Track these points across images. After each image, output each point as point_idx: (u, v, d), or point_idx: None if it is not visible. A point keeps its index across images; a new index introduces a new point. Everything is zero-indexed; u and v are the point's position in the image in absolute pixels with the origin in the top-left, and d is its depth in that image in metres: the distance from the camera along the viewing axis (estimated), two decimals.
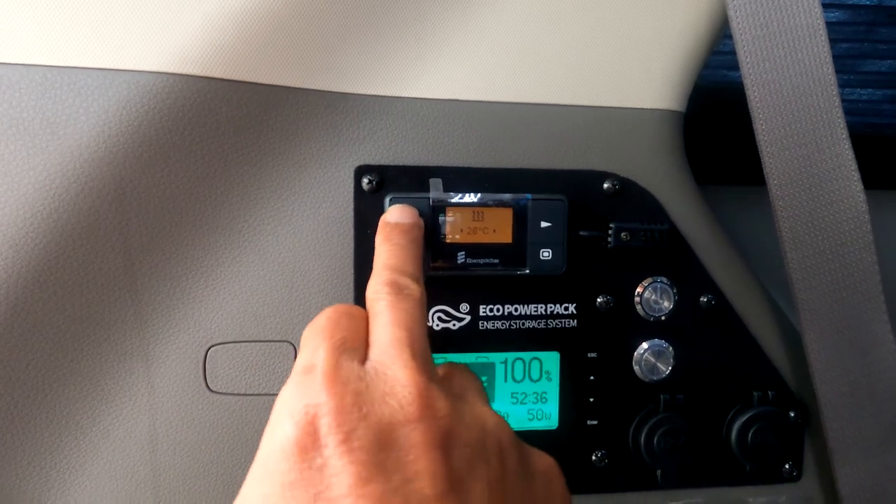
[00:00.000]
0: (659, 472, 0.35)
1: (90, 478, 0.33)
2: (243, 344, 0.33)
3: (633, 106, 0.34)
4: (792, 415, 0.36)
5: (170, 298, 0.32)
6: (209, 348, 0.32)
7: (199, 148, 0.30)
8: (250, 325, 0.33)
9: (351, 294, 0.33)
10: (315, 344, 0.23)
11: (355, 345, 0.23)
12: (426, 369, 0.23)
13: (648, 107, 0.34)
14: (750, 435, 0.35)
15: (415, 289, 0.25)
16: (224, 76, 0.30)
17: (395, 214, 0.30)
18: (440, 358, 0.34)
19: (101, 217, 0.30)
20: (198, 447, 0.33)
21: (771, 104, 0.32)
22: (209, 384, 0.33)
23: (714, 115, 0.50)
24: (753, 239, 0.41)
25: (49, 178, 0.29)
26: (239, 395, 0.33)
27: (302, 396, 0.21)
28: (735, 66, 0.56)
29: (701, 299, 0.35)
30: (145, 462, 0.33)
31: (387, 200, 0.32)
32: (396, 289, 0.25)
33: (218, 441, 0.33)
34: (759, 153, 0.32)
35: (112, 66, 0.29)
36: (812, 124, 0.32)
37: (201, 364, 0.32)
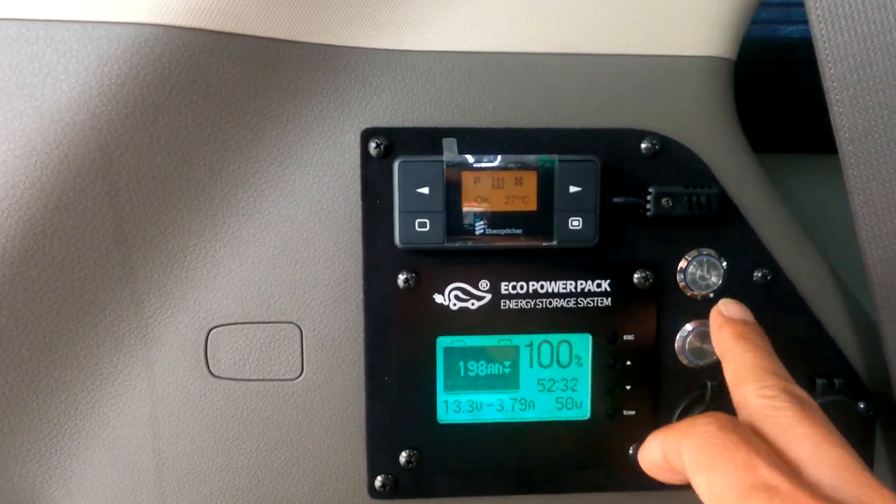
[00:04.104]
0: None
1: (91, 465, 0.31)
2: (246, 325, 0.30)
3: (676, 53, 0.30)
4: (861, 406, 0.32)
5: (167, 276, 0.30)
6: (210, 330, 0.30)
7: (189, 110, 0.28)
8: (253, 305, 0.30)
9: (359, 269, 0.30)
10: (736, 460, 0.21)
11: (778, 460, 0.21)
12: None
13: (693, 53, 0.30)
14: None
15: (813, 401, 0.24)
16: (214, 28, 0.27)
17: (736, 310, 0.29)
18: (458, 341, 0.31)
19: (88, 187, 0.28)
20: (201, 434, 0.31)
21: (842, 42, 0.27)
22: (211, 368, 0.31)
23: (762, 74, 0.45)
24: (811, 213, 0.37)
25: (29, 145, 0.27)
26: (243, 380, 0.31)
27: None
28: (786, 20, 0.50)
29: (755, 274, 0.31)
30: (147, 449, 0.31)
31: (396, 165, 0.29)
32: (798, 399, 0.24)
33: (222, 429, 0.31)
34: (827, 102, 0.28)
35: (91, 18, 0.27)
36: (893, 65, 0.27)
37: (202, 347, 0.31)
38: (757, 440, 0.22)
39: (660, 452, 0.25)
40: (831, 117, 0.28)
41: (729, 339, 0.28)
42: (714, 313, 0.30)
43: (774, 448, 0.22)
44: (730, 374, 0.26)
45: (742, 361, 0.26)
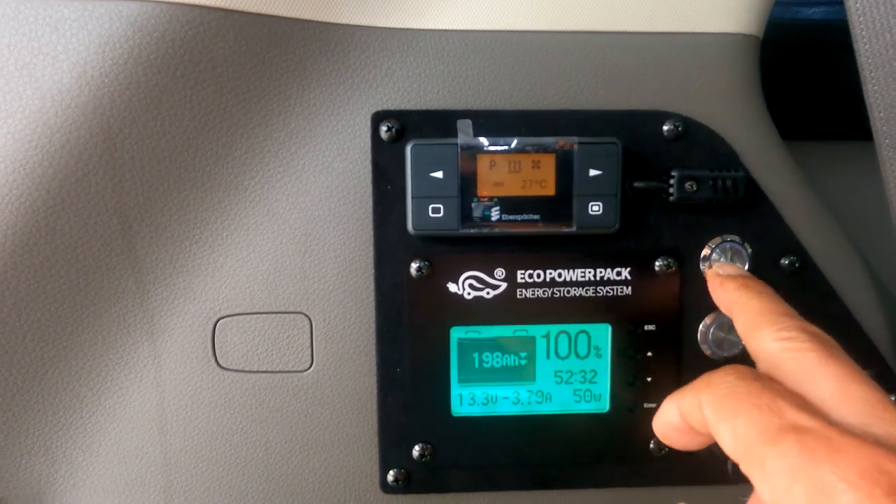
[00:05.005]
0: (730, 463, 0.31)
1: (98, 458, 0.31)
2: (254, 316, 0.30)
3: (700, 30, 0.28)
4: (894, 399, 0.31)
5: (172, 265, 0.29)
6: (217, 321, 0.30)
7: (194, 92, 0.27)
8: (261, 294, 0.29)
9: (370, 257, 0.29)
10: (761, 405, 0.20)
11: (804, 401, 0.21)
12: None
13: (719, 30, 0.28)
14: None
15: (832, 339, 0.23)
16: (220, 5, 0.26)
17: (732, 269, 0.29)
18: (473, 331, 0.30)
19: (91, 172, 0.27)
20: (209, 427, 0.31)
21: (878, 16, 0.26)
22: (219, 360, 0.30)
23: (782, 57, 0.43)
24: (836, 202, 0.35)
25: (29, 127, 0.26)
26: (251, 372, 0.30)
27: (834, 458, 0.18)
28: (808, 2, 0.49)
29: (782, 261, 0.30)
30: (154, 442, 0.30)
31: (408, 149, 0.28)
32: (819, 338, 0.22)
33: (230, 421, 0.31)
34: (861, 80, 0.27)
35: None
36: None
37: (210, 338, 0.30)
38: (779, 385, 0.21)
39: (677, 413, 0.23)
40: (865, 96, 0.27)
41: (733, 290, 0.26)
42: (711, 275, 0.29)
43: (797, 391, 0.21)
44: (741, 323, 0.25)
45: (752, 308, 0.25)
